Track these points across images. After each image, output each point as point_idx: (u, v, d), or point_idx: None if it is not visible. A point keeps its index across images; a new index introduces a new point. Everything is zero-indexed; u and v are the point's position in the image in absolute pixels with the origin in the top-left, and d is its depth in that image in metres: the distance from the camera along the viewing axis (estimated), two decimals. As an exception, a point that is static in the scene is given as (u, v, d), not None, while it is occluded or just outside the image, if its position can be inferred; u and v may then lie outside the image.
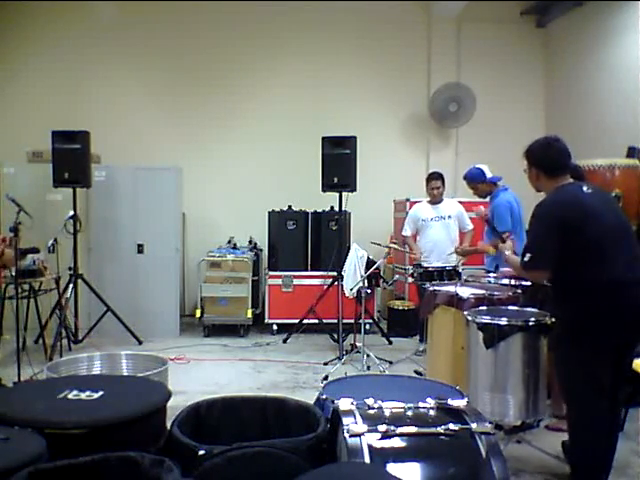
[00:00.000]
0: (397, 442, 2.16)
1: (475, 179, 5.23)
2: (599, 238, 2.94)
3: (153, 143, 7.75)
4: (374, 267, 5.58)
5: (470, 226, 5.88)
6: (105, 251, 6.72)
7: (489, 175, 5.21)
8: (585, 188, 3.07)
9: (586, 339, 2.93)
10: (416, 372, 4.95)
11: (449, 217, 5.82)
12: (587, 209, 2.97)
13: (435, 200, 5.89)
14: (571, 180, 3.15)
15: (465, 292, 4.03)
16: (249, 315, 6.79)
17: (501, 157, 6.13)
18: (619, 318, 2.91)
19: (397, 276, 7.13)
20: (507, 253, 3.42)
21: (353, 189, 6.23)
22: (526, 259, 3.04)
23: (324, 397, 2.54)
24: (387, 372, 5.12)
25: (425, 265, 5.35)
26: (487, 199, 5.33)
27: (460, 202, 6.11)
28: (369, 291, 6.16)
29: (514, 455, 3.43)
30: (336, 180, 6.16)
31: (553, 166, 3.13)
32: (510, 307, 3.73)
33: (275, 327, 6.91)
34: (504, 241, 4.66)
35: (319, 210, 7.21)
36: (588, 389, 2.95)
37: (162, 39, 7.87)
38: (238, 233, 7.59)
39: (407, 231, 6.02)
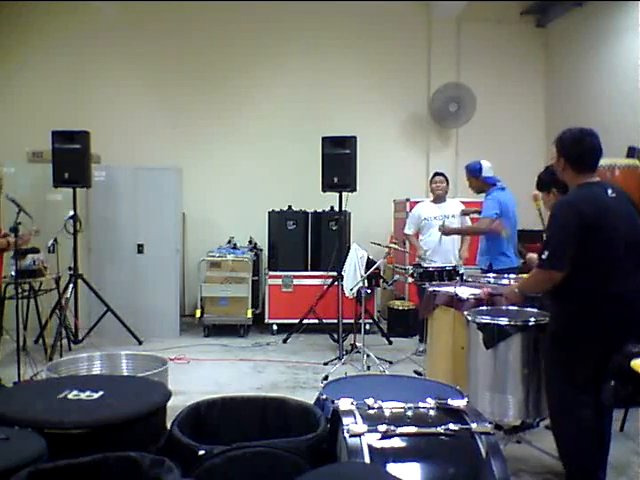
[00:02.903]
0: (397, 442, 2.16)
1: (470, 172, 5.24)
2: (614, 247, 2.86)
3: (153, 143, 7.76)
4: (374, 267, 5.59)
5: None
6: (105, 251, 6.72)
7: (488, 173, 5.17)
8: (610, 191, 2.95)
9: (579, 344, 2.92)
10: (416, 372, 4.95)
11: (452, 216, 5.80)
12: (608, 214, 2.86)
13: (438, 199, 5.88)
14: (597, 179, 3.02)
15: (464, 292, 4.03)
16: (249, 315, 6.79)
17: (501, 157, 6.15)
18: (616, 326, 2.89)
19: (397, 276, 7.13)
20: (515, 289, 3.33)
21: (353, 189, 6.22)
22: (544, 257, 2.89)
23: (324, 397, 2.54)
24: (387, 372, 5.12)
25: (425, 265, 5.34)
26: (481, 196, 5.35)
27: (461, 202, 6.12)
28: (369, 291, 6.16)
29: (514, 455, 3.43)
30: (336, 180, 6.16)
31: (582, 162, 2.99)
32: (510, 307, 3.73)
33: (275, 327, 6.91)
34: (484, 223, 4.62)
35: (319, 210, 7.21)
36: (567, 389, 2.95)
37: (162, 39, 7.87)
38: (238, 233, 7.59)
39: (409, 229, 6.03)
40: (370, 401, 2.32)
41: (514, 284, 3.41)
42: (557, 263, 2.88)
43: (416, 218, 5.99)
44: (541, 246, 2.99)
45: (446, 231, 5.40)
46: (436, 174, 6.03)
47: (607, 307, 2.86)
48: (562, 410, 2.99)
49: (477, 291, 4.07)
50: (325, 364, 5.57)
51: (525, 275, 4.37)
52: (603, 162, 5.26)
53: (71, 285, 6.10)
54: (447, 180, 5.96)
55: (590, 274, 2.86)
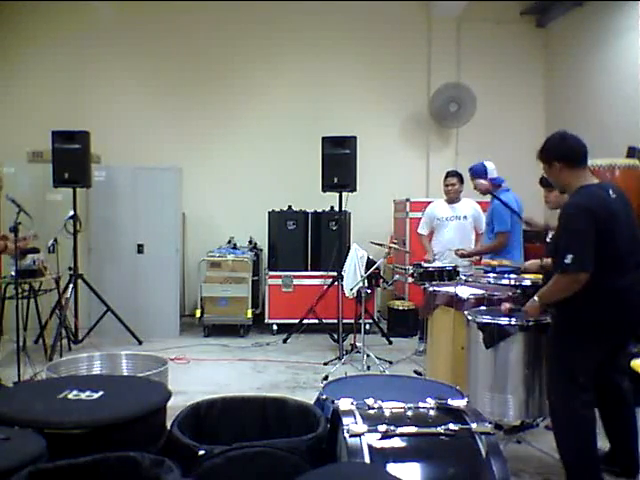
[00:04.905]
0: (397, 442, 2.16)
1: (476, 174, 5.21)
2: (621, 246, 2.92)
3: (153, 143, 7.75)
4: (374, 267, 5.58)
5: None
6: (105, 251, 6.72)
7: (492, 175, 5.18)
8: (611, 192, 3.00)
9: (585, 342, 2.95)
10: (416, 372, 4.95)
11: (465, 217, 5.74)
12: (614, 216, 2.92)
13: (451, 199, 5.81)
14: (595, 180, 3.08)
15: (465, 292, 4.03)
16: (249, 315, 6.78)
17: (501, 157, 6.12)
18: (622, 322, 2.96)
19: (397, 276, 7.13)
20: (535, 299, 3.17)
21: (353, 189, 6.22)
22: (568, 261, 2.82)
23: (324, 397, 2.54)
24: (387, 372, 5.12)
25: (425, 265, 5.34)
26: (487, 197, 5.33)
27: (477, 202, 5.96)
28: (369, 291, 6.15)
29: (514, 455, 3.43)
30: (336, 180, 6.16)
31: (574, 156, 3.05)
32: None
33: (275, 327, 6.91)
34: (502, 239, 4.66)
35: (319, 210, 7.21)
36: (571, 388, 2.97)
37: (162, 39, 7.87)
38: (238, 233, 7.59)
39: (424, 230, 5.98)
40: (370, 401, 2.32)
41: (534, 298, 3.18)
42: (585, 265, 2.85)
43: (429, 218, 5.91)
44: (562, 250, 2.90)
45: (464, 255, 5.37)
46: (448, 174, 5.82)
47: (612, 303, 2.91)
48: (565, 409, 3.00)
49: (477, 291, 4.07)
50: (325, 364, 5.57)
51: (528, 275, 4.38)
52: (603, 162, 5.34)
53: (71, 285, 6.10)
54: (462, 179, 5.77)
55: (603, 273, 2.88)
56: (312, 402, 2.62)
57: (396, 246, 6.00)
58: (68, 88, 7.79)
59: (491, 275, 4.72)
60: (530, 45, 8.22)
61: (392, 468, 2.06)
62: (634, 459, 3.17)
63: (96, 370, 3.67)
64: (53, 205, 6.53)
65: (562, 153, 3.07)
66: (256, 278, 7.18)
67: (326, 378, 4.91)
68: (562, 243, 2.93)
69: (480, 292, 4.03)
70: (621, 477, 3.16)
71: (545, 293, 3.10)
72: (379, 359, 5.41)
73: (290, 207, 7.22)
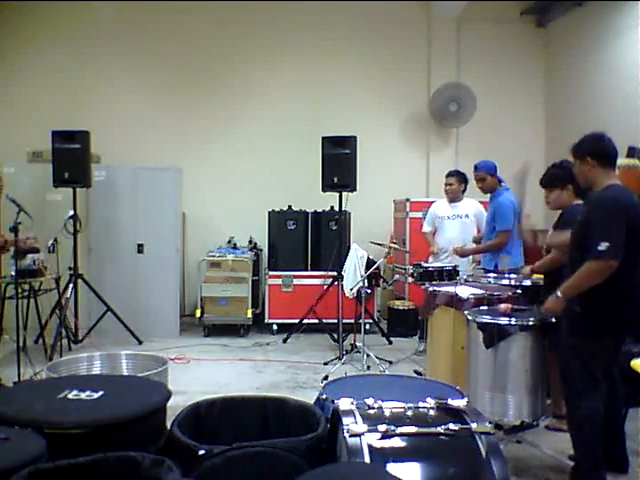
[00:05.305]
0: (397, 442, 2.16)
1: (486, 170, 5.18)
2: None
3: (153, 143, 7.75)
4: (374, 267, 5.59)
5: None
6: (105, 251, 6.72)
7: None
8: (632, 195, 3.13)
9: (606, 334, 3.03)
10: (416, 372, 4.95)
11: (466, 216, 5.76)
12: (638, 215, 3.02)
13: (450, 199, 5.84)
14: (619, 182, 3.17)
15: (465, 292, 4.02)
16: (249, 315, 6.78)
17: (501, 157, 6.10)
18: (625, 319, 3.03)
19: (397, 276, 7.14)
20: (558, 294, 3.11)
21: (353, 189, 6.22)
22: (602, 248, 2.88)
23: (324, 397, 2.54)
24: (387, 372, 5.12)
25: (425, 265, 5.34)
26: (486, 197, 5.33)
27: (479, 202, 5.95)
28: (369, 291, 6.16)
29: (514, 455, 3.43)
30: (336, 180, 6.16)
31: (608, 155, 3.16)
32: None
33: (275, 327, 6.91)
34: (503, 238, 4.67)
35: (319, 210, 7.21)
36: (591, 381, 3.02)
37: (162, 39, 7.87)
38: (238, 233, 7.59)
39: (426, 228, 6.04)
40: (370, 401, 2.32)
41: (557, 294, 3.11)
42: (618, 253, 2.91)
43: (432, 216, 5.97)
44: (596, 238, 2.93)
45: (465, 253, 5.37)
46: (448, 174, 5.88)
47: (622, 296, 3.00)
48: (585, 405, 3.04)
49: (477, 291, 4.07)
50: (325, 364, 5.57)
51: (528, 273, 4.37)
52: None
53: (71, 285, 6.10)
54: (463, 178, 5.80)
55: (625, 267, 2.94)
56: (312, 402, 2.62)
57: (396, 246, 6.01)
58: (68, 88, 7.79)
59: (491, 275, 4.73)
60: (530, 45, 8.22)
61: (392, 468, 2.06)
62: (624, 454, 3.23)
63: (96, 370, 3.67)
64: (53, 205, 6.53)
65: (597, 150, 3.17)
66: (256, 278, 7.18)
67: (326, 378, 4.91)
68: (596, 232, 2.96)
69: (480, 292, 4.03)
70: (611, 472, 3.17)
71: (571, 284, 3.05)
72: (379, 359, 5.41)
73: (290, 207, 7.22)
